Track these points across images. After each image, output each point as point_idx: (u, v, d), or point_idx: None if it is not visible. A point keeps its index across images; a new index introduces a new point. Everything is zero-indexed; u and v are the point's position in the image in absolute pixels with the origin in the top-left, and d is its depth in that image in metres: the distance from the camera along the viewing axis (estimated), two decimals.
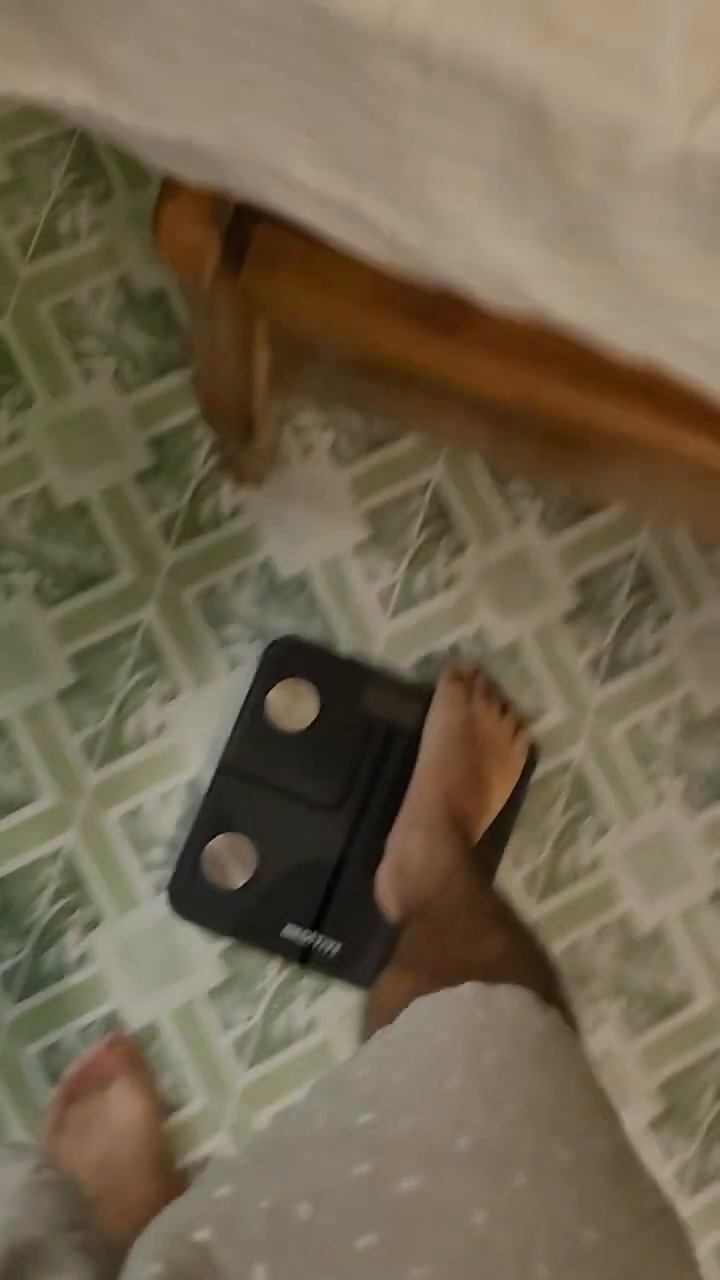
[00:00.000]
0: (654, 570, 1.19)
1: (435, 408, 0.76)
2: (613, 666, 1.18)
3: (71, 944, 1.09)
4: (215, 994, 1.09)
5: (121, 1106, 1.02)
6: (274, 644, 1.10)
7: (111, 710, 1.12)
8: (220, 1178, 0.45)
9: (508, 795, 1.08)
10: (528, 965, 0.70)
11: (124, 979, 1.09)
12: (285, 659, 1.10)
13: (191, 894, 1.06)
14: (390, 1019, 0.62)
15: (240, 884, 1.06)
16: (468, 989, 0.60)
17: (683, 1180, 1.12)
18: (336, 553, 1.16)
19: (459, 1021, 0.56)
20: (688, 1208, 1.12)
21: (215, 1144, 1.08)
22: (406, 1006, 0.62)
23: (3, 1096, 1.07)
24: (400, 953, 0.76)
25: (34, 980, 1.08)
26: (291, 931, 1.06)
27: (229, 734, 1.09)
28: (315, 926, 1.06)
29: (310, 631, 1.14)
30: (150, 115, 0.51)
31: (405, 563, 1.17)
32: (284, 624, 1.14)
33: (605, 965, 1.13)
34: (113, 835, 1.10)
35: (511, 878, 1.13)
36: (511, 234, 0.51)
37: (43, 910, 1.09)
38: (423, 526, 1.17)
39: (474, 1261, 0.39)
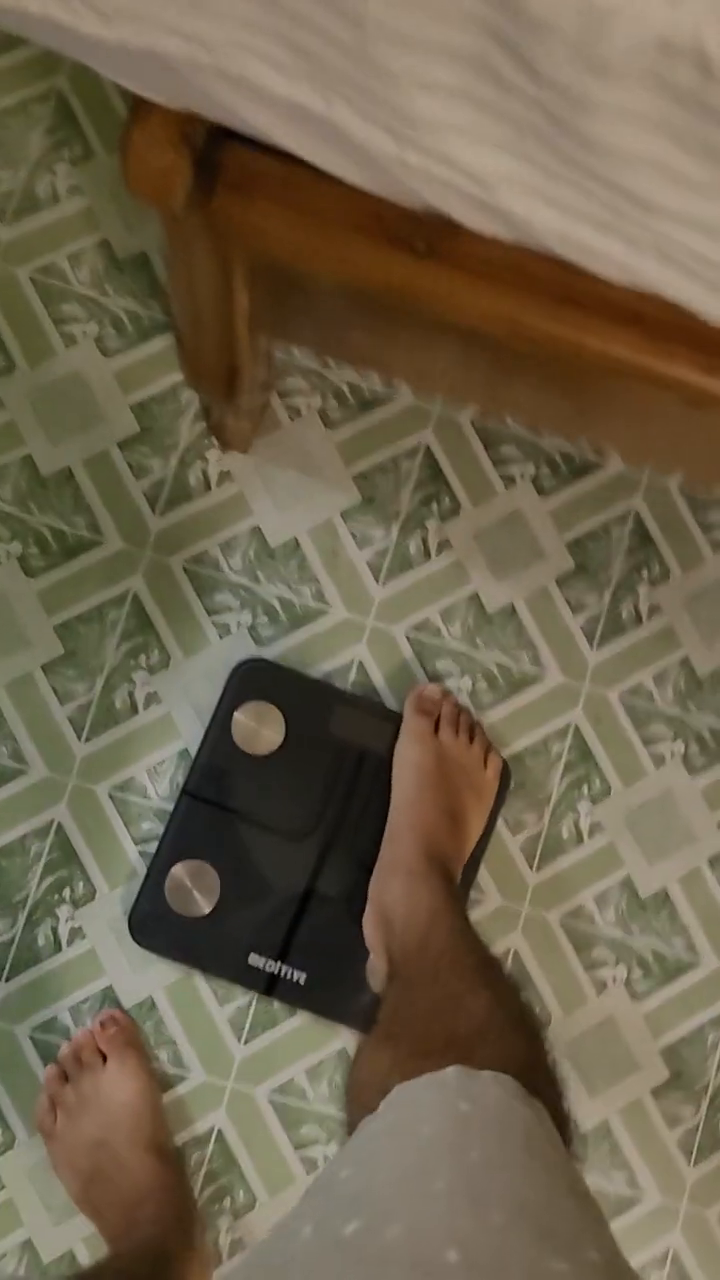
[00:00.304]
0: (650, 531, 1.17)
1: (423, 351, 0.75)
2: (609, 629, 1.16)
3: (64, 919, 1.07)
4: None
5: (115, 1086, 1.00)
6: (240, 665, 1.08)
7: (100, 681, 1.10)
8: None
9: (484, 824, 1.06)
10: (511, 1030, 0.68)
11: (117, 954, 1.07)
12: (251, 681, 1.07)
13: (153, 923, 1.04)
14: (371, 1098, 0.62)
15: (204, 912, 1.03)
16: (451, 1075, 0.58)
17: (688, 1147, 1.10)
18: (327, 518, 1.14)
19: (443, 1114, 0.54)
20: (692, 1175, 1.10)
21: (213, 1120, 1.06)
22: (386, 1084, 0.61)
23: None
24: (380, 1021, 0.74)
25: (26, 957, 1.06)
26: (256, 960, 1.04)
27: (194, 758, 1.07)
28: (281, 956, 1.04)
29: (302, 597, 1.13)
30: (113, 24, 0.49)
31: (397, 527, 1.15)
32: (274, 591, 1.13)
33: (607, 930, 1.12)
34: (104, 807, 1.08)
35: (510, 844, 1.12)
36: (484, 140, 0.49)
37: (33, 885, 1.07)
38: (414, 490, 1.16)
39: None
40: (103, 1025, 1.03)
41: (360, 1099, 0.67)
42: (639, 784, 1.14)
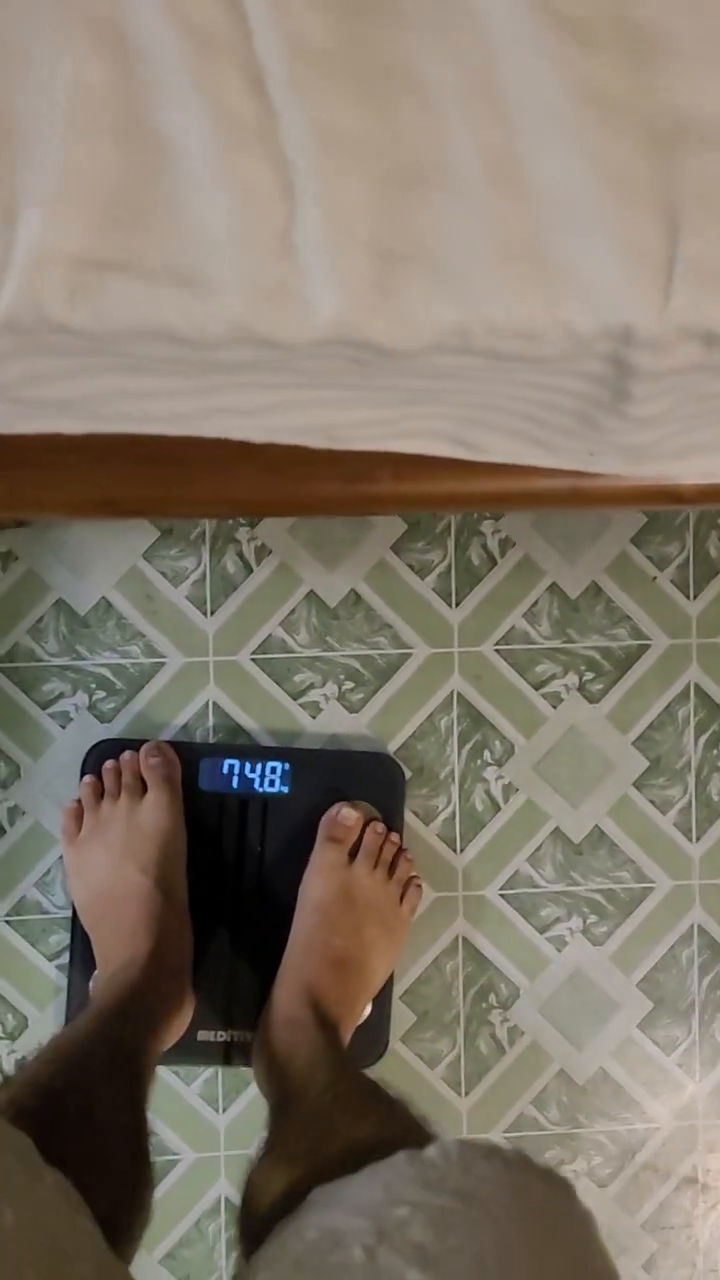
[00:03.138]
0: None
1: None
2: (464, 581, 1.06)
3: (4, 1054, 1.04)
4: None
5: (148, 815, 0.95)
6: (88, 756, 1.01)
7: None
8: None
9: (393, 965, 0.98)
10: (402, 1136, 0.64)
11: None
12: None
13: None
14: (266, 1209, 0.59)
15: None
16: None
17: (690, 1066, 1.08)
18: (130, 565, 1.04)
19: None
20: (701, 1089, 1.09)
21: (217, 1190, 1.06)
22: (280, 1198, 0.58)
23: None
24: (271, 1144, 0.69)
25: None
26: (206, 1035, 1.00)
27: None
28: (227, 1024, 1.00)
29: (132, 658, 1.04)
30: None
31: (206, 550, 1.05)
32: (102, 660, 1.04)
33: (550, 887, 1.07)
34: (5, 936, 1.04)
35: (426, 835, 1.06)
36: None
37: None
38: None
39: None
40: (146, 754, 0.99)
41: (249, 1222, 0.65)
42: (541, 731, 1.07)
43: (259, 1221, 0.64)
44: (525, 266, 0.33)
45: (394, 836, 1.00)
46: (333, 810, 0.99)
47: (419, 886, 1.01)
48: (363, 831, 0.99)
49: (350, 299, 0.33)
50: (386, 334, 0.34)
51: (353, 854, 0.98)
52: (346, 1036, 0.91)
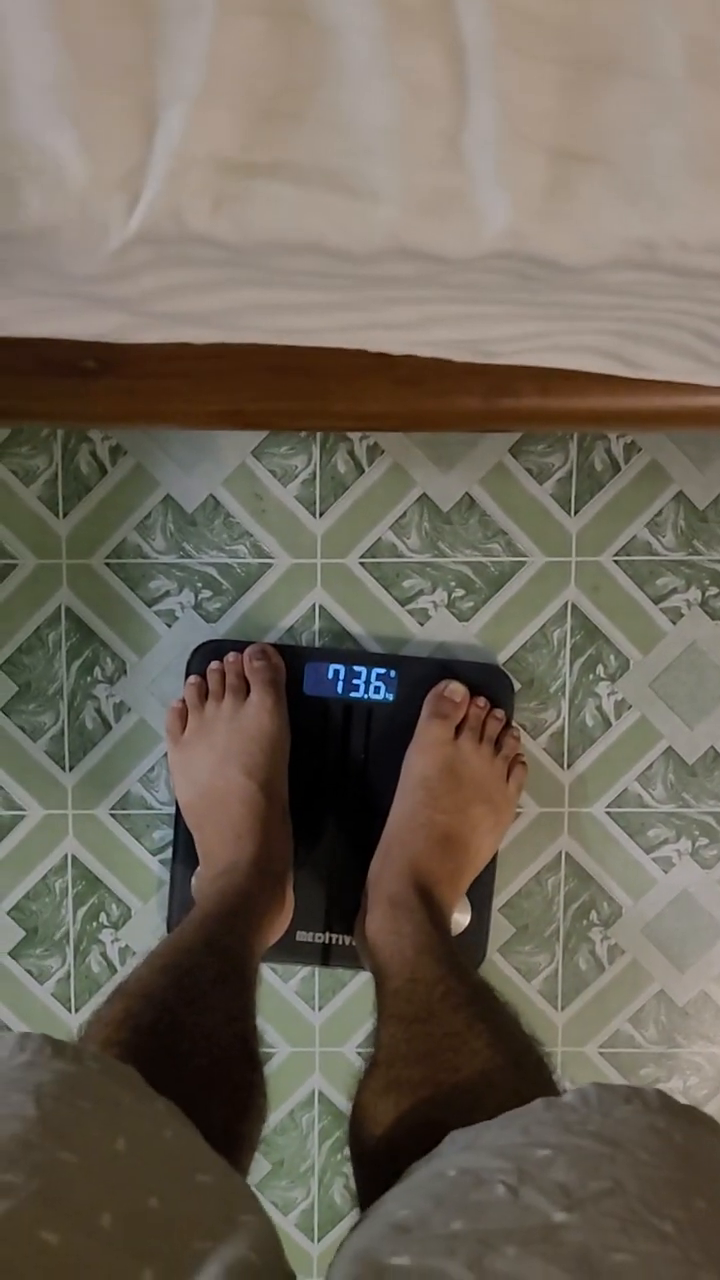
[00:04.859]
0: None
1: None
2: (585, 486, 1.01)
3: (109, 943, 1.06)
4: None
5: (252, 717, 0.95)
6: (192, 656, 1.00)
7: (64, 706, 1.04)
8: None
9: (499, 844, 0.96)
10: (515, 1067, 0.63)
11: None
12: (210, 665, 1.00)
13: None
14: (377, 1157, 0.60)
15: None
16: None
17: None
18: (239, 462, 1.02)
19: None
20: None
21: (312, 1083, 1.08)
22: (392, 1128, 0.59)
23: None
24: (377, 1061, 0.69)
25: (83, 986, 1.07)
26: (305, 936, 1.01)
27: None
28: (327, 926, 1.01)
29: (239, 557, 1.02)
30: None
31: (317, 448, 1.01)
32: (208, 559, 1.02)
33: (659, 807, 1.04)
34: (110, 829, 1.05)
35: (533, 748, 1.03)
36: None
37: (70, 919, 1.06)
38: None
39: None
40: (250, 657, 0.98)
41: (363, 1150, 0.65)
42: (659, 647, 1.03)
43: (372, 1153, 0.64)
44: None
45: (498, 712, 0.98)
46: (439, 686, 0.98)
47: (524, 764, 0.99)
48: (468, 707, 0.97)
49: (523, 208, 0.29)
50: (563, 247, 0.29)
51: (457, 732, 0.96)
52: (449, 918, 0.90)
